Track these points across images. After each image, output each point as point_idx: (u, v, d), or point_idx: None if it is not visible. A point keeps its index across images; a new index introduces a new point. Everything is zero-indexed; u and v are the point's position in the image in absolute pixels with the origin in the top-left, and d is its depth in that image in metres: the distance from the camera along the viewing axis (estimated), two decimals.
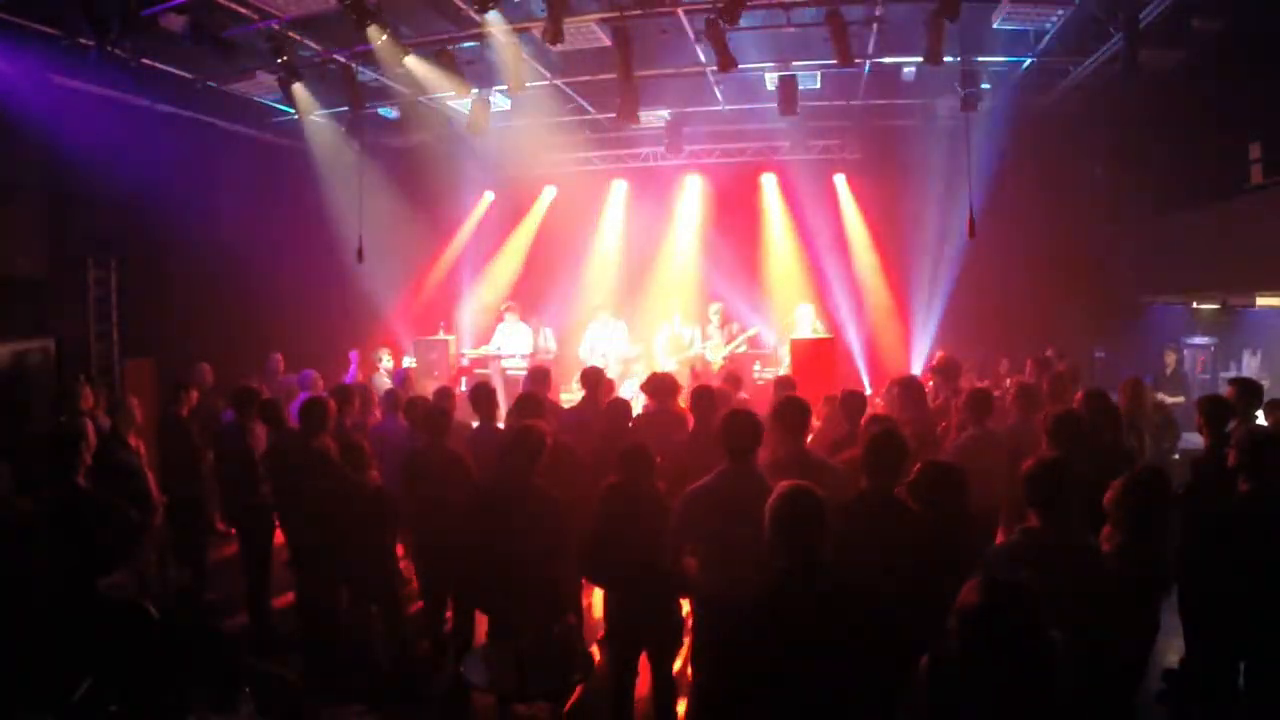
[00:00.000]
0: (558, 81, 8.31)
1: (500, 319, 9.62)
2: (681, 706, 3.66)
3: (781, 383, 5.71)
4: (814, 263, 10.64)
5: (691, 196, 11.22)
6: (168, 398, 5.88)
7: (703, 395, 4.76)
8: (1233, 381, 4.97)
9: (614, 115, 8.14)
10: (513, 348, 9.36)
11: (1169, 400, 7.06)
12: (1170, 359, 7.98)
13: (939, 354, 8.12)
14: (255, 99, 8.34)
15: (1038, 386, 5.45)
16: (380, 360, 8.46)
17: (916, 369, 9.78)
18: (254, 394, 5.34)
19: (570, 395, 8.52)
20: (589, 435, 4.93)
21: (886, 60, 7.73)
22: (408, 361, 9.46)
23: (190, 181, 7.55)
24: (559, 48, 6.71)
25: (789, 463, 3.57)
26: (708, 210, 11.16)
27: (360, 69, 7.74)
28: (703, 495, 3.32)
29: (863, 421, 4.58)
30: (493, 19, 6.48)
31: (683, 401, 5.52)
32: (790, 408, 3.82)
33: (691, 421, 4.73)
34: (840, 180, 10.68)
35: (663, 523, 3.39)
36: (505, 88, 7.84)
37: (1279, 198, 6.47)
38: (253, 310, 8.55)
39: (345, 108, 8.19)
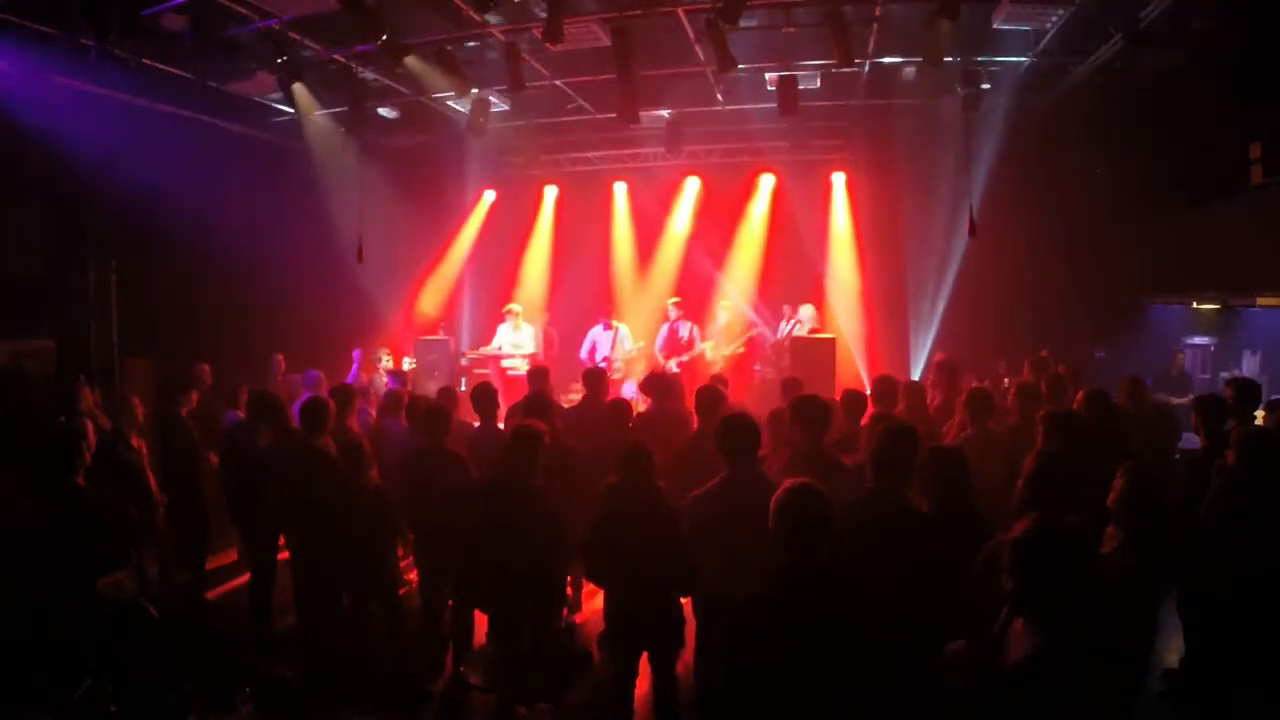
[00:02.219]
0: (558, 81, 8.31)
1: (502, 320, 9.64)
2: (682, 707, 3.65)
3: (789, 383, 5.72)
4: (814, 263, 10.64)
5: (691, 197, 11.22)
6: (167, 398, 5.88)
7: (707, 395, 4.77)
8: (1230, 382, 4.97)
9: (614, 115, 8.14)
10: (514, 348, 9.38)
11: (1175, 401, 7.06)
12: (1179, 360, 8.00)
13: (938, 355, 8.12)
14: (255, 99, 8.34)
15: (1038, 386, 5.46)
16: (380, 360, 8.45)
17: (916, 369, 9.79)
18: (267, 397, 5.31)
19: (571, 395, 8.53)
20: (589, 435, 4.93)
21: (886, 60, 7.73)
22: (407, 362, 9.46)
23: (190, 181, 7.55)
24: (559, 48, 6.71)
25: (807, 459, 3.59)
26: (708, 210, 11.16)
27: (360, 69, 7.74)
28: (707, 501, 3.33)
29: (863, 421, 4.59)
30: (493, 19, 6.48)
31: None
32: (810, 404, 3.88)
33: (696, 421, 4.73)
34: (840, 180, 10.68)
35: (663, 522, 3.39)
36: (505, 88, 7.83)
37: (1279, 198, 6.47)
38: (253, 310, 8.54)
39: (345, 108, 8.18)
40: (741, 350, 9.44)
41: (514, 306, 9.72)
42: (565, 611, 5.02)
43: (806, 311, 9.33)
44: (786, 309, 9.55)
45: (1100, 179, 9.01)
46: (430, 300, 11.25)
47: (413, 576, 5.32)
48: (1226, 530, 3.41)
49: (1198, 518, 3.58)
